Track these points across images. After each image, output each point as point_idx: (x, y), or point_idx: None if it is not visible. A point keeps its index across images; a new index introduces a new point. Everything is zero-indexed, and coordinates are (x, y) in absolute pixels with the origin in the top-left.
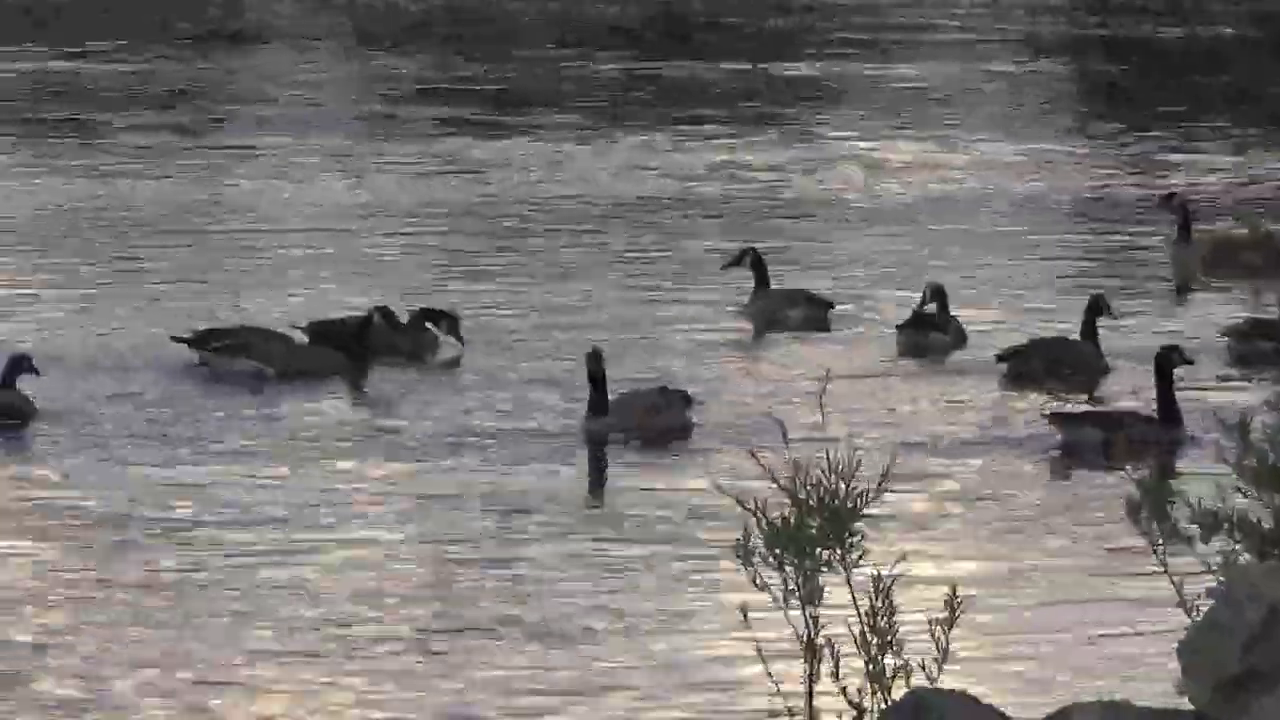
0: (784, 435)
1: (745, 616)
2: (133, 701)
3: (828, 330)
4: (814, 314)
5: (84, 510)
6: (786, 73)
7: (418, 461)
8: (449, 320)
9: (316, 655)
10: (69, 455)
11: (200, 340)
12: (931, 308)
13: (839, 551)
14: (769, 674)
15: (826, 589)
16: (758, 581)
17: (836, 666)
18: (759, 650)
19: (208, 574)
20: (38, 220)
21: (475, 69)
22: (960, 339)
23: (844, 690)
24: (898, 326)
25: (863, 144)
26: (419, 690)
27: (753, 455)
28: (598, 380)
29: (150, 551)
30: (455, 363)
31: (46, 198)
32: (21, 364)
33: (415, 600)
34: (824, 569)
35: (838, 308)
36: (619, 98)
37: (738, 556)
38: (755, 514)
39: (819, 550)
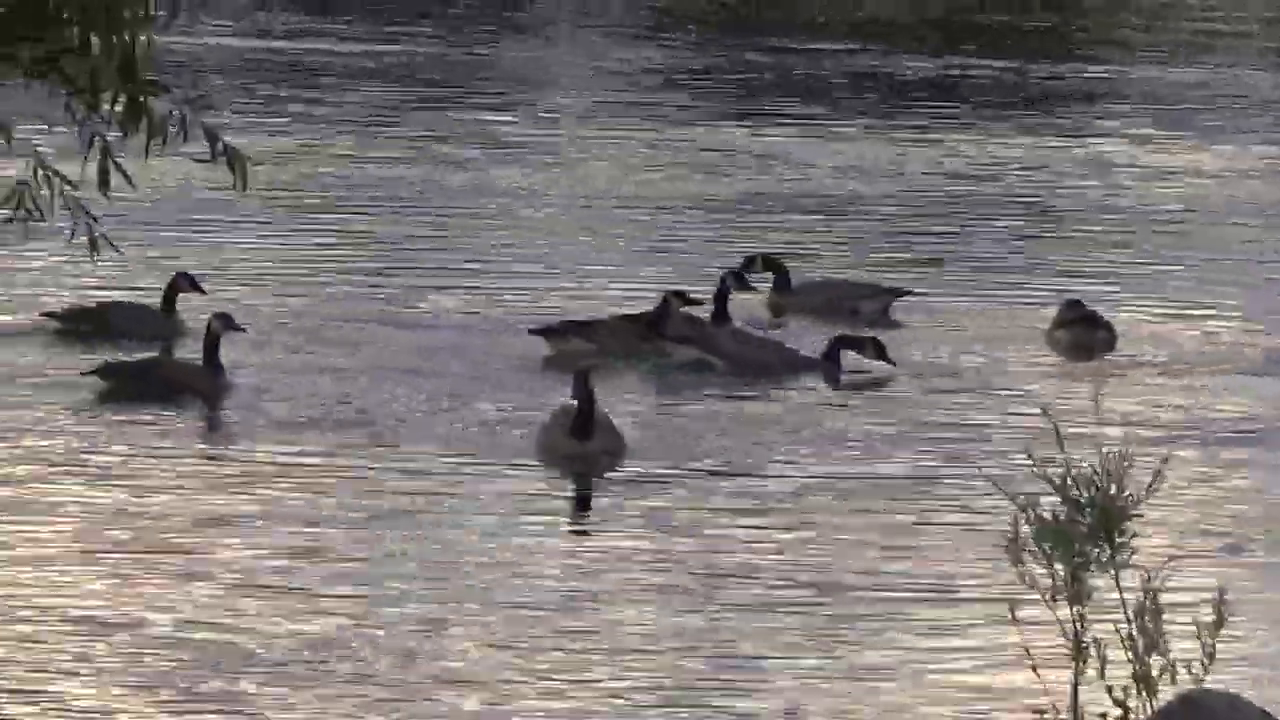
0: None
1: (1013, 613)
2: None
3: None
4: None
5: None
6: (1060, 73)
7: None
8: (874, 345)
9: None
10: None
11: (552, 332)
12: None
13: (1108, 550)
14: (1034, 670)
15: (1094, 588)
16: (1026, 578)
17: (1103, 666)
18: (1025, 648)
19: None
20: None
21: (756, 58)
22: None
23: (1110, 689)
24: (1059, 324)
25: (1132, 148)
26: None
27: (1026, 453)
28: (586, 402)
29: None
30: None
31: (304, 170)
32: (229, 322)
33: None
34: (1092, 568)
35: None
36: (891, 92)
37: (1007, 552)
38: (1024, 510)
39: (1088, 548)
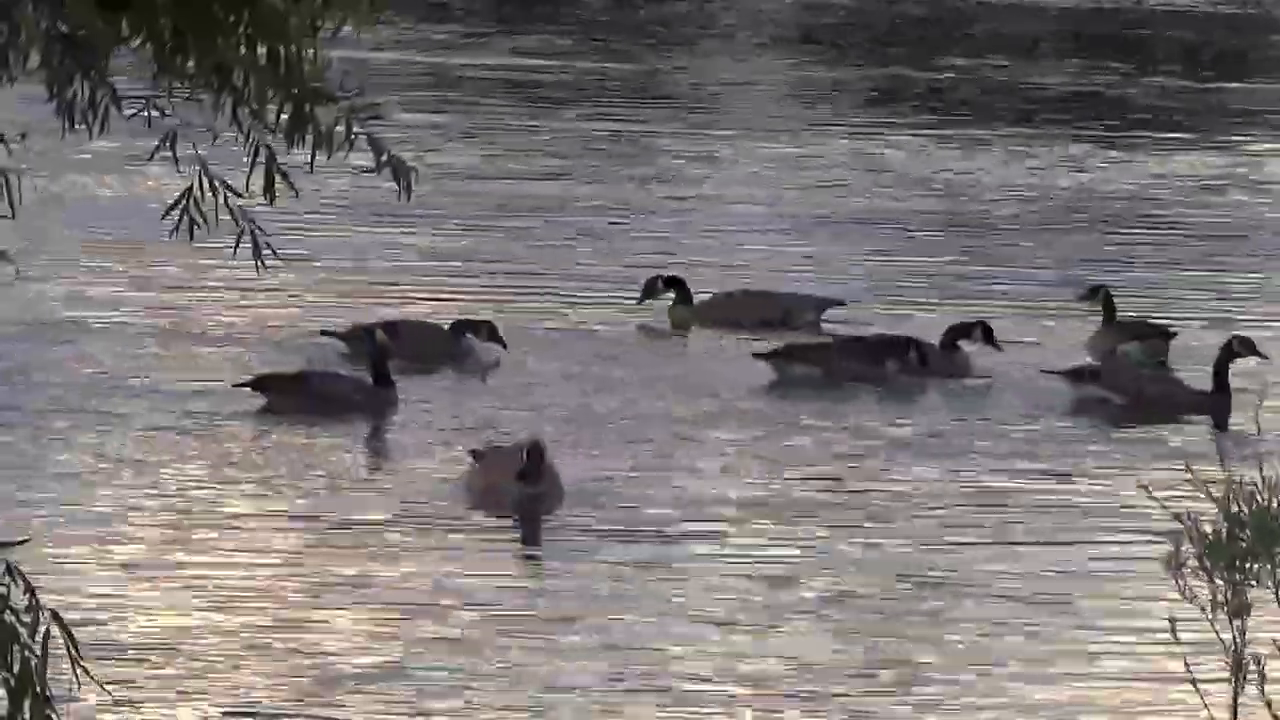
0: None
1: (1174, 628)
2: None
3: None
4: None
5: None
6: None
7: None
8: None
9: None
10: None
11: (776, 355)
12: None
13: (1270, 566)
14: (1194, 685)
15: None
16: (1186, 593)
17: (1262, 682)
18: (1185, 663)
19: None
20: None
21: (912, 75)
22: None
23: (1269, 704)
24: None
25: None
26: None
27: (1187, 468)
28: (536, 458)
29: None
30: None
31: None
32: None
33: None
34: (1253, 584)
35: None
36: (1058, 108)
37: (1168, 567)
38: (1186, 525)
39: (1249, 563)
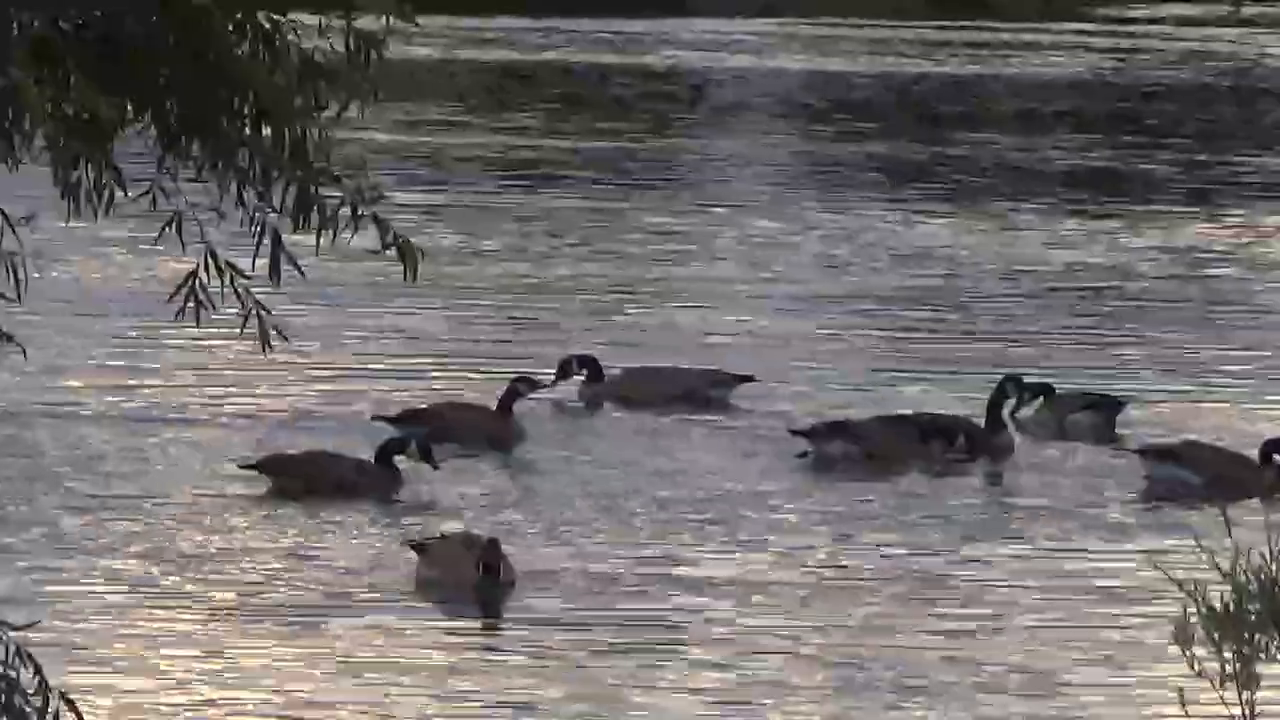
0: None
1: (1182, 700)
2: None
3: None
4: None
5: None
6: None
7: None
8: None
9: None
10: None
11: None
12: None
13: (1278, 637)
14: None
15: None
16: (1194, 666)
17: None
18: None
19: None
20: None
21: (912, 150)
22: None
23: None
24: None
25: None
26: None
27: (1195, 540)
28: (495, 548)
29: None
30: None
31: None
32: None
33: None
34: (1261, 655)
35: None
36: (1070, 183)
37: (1176, 638)
38: (1194, 596)
39: (1257, 636)
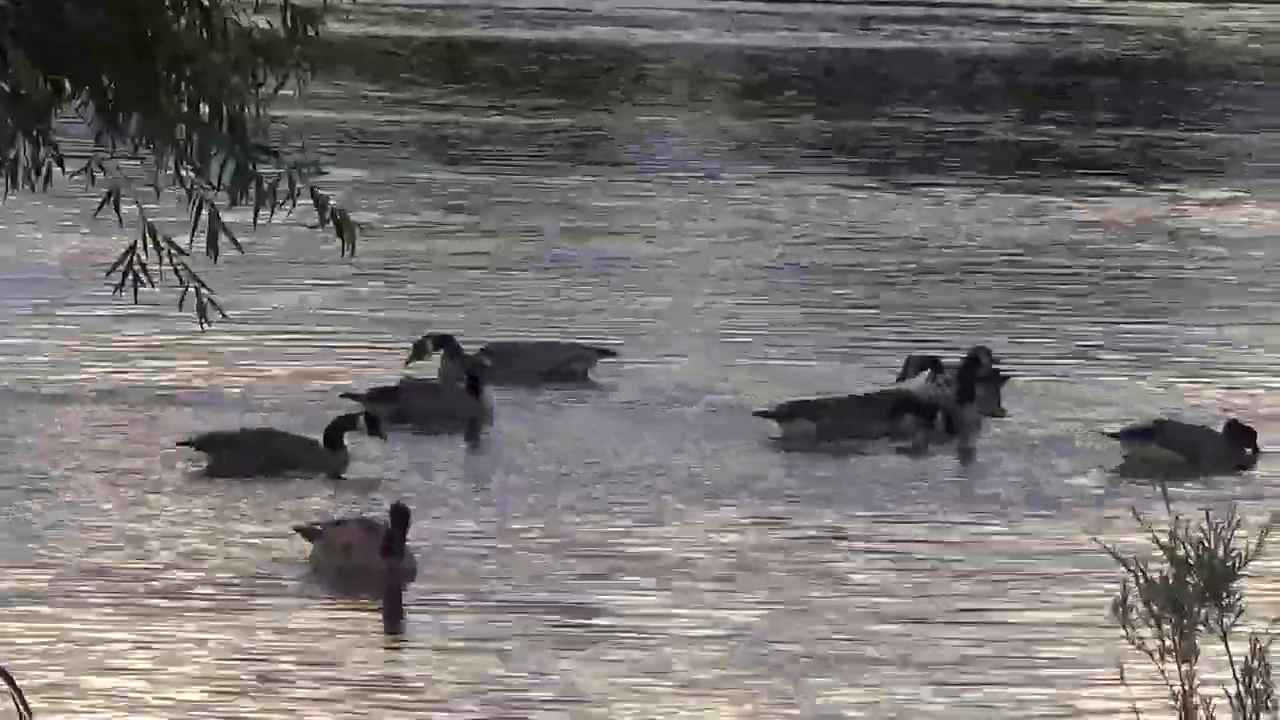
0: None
1: (1122, 674)
2: None
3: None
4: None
5: None
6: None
7: None
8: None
9: None
10: None
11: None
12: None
13: (1216, 610)
14: None
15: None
16: (1133, 639)
17: None
18: (1135, 709)
19: None
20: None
21: (852, 125)
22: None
23: None
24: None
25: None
26: None
27: (1133, 513)
28: (401, 519)
29: None
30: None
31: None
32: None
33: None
34: (1201, 628)
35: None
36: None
37: (1115, 612)
38: (1133, 570)
39: (1196, 608)
